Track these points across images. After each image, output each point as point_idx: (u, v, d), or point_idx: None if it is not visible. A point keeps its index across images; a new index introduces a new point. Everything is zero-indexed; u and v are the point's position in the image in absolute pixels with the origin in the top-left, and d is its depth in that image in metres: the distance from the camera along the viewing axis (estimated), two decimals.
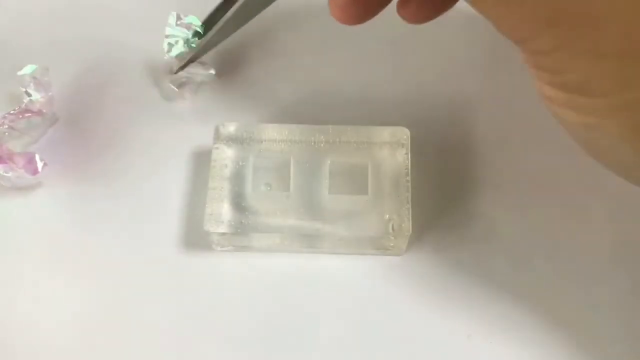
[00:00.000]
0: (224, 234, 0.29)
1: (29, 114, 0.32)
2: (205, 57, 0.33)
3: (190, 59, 0.33)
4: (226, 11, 0.31)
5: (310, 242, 0.29)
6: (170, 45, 0.33)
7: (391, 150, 0.30)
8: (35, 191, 0.31)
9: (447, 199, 0.31)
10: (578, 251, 0.30)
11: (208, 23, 0.32)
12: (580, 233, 0.30)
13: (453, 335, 0.28)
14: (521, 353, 0.28)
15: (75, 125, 0.33)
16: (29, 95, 0.32)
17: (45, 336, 0.28)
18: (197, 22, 0.33)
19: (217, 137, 0.30)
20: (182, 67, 0.33)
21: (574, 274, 0.29)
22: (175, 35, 0.33)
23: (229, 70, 0.34)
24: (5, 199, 0.31)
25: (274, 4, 0.30)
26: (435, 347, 0.28)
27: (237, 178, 0.30)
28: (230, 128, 0.30)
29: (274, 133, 0.30)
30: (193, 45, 0.32)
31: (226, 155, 0.30)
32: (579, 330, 0.28)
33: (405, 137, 0.30)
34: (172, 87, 0.33)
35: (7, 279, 0.30)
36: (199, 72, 0.33)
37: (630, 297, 0.29)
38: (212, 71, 0.33)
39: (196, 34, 0.33)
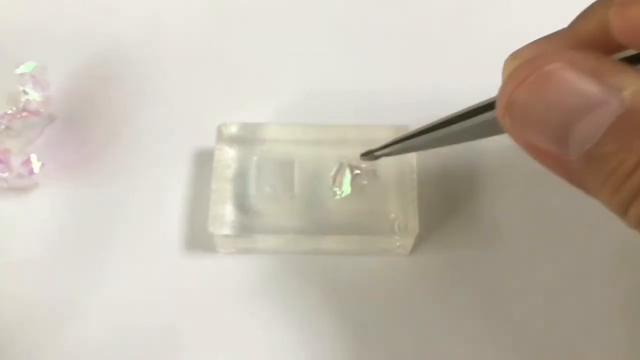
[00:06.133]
0: (227, 235, 0.28)
1: (26, 114, 0.31)
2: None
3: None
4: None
5: (315, 243, 0.29)
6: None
7: None
8: (33, 192, 0.31)
9: (453, 198, 0.31)
10: (583, 251, 0.30)
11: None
12: (585, 233, 0.30)
13: (458, 334, 0.28)
14: (525, 353, 0.28)
15: (73, 125, 0.32)
16: (27, 94, 0.31)
17: (45, 336, 0.28)
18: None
19: (220, 137, 0.30)
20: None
21: (579, 274, 0.29)
22: None
23: (230, 70, 0.34)
24: (2, 200, 0.31)
25: None
26: (440, 347, 0.28)
27: (240, 179, 0.29)
28: (233, 128, 0.30)
29: (276, 133, 0.30)
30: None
31: (229, 156, 0.30)
32: (582, 331, 0.28)
33: None
34: None
35: (4, 281, 0.29)
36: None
37: (634, 298, 0.29)
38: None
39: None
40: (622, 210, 0.17)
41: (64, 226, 0.30)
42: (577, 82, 0.16)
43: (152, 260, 0.29)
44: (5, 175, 0.30)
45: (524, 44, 0.21)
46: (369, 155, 0.28)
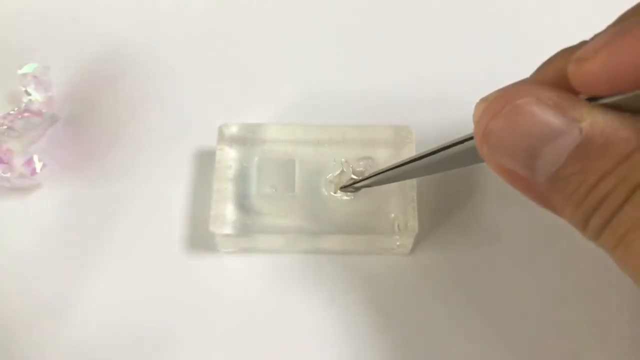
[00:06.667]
0: (228, 235, 0.28)
1: (28, 114, 0.31)
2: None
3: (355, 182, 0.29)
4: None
5: (315, 242, 0.29)
6: None
7: (396, 149, 0.30)
8: (35, 192, 0.31)
9: (452, 198, 0.31)
10: (583, 251, 0.30)
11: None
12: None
13: (458, 334, 0.28)
14: (525, 353, 0.28)
15: (75, 126, 0.33)
16: (29, 94, 0.31)
17: (47, 336, 0.28)
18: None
19: (221, 138, 0.30)
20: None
21: (579, 274, 0.29)
22: None
23: (231, 70, 0.34)
24: (4, 200, 0.31)
25: None
26: (440, 347, 0.28)
27: (242, 179, 0.29)
28: (234, 129, 0.30)
29: (277, 133, 0.30)
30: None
31: (230, 156, 0.30)
32: (582, 331, 0.28)
33: (410, 135, 0.30)
34: None
35: (5, 281, 0.29)
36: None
37: (635, 298, 0.29)
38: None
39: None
40: (583, 224, 0.20)
41: (65, 226, 0.30)
42: (542, 114, 0.19)
43: (153, 260, 0.29)
44: (8, 175, 0.30)
45: (494, 90, 0.23)
46: (350, 187, 0.29)
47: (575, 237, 0.30)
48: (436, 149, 0.24)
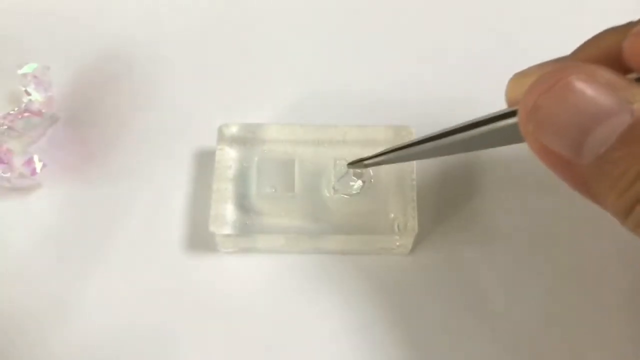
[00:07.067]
0: (228, 235, 0.28)
1: (28, 114, 0.31)
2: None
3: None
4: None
5: (315, 242, 0.29)
6: None
7: None
8: (35, 192, 0.31)
9: (452, 198, 0.31)
10: (582, 251, 0.30)
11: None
12: (584, 233, 0.30)
13: (457, 334, 0.28)
14: (525, 353, 0.28)
15: (75, 126, 0.33)
16: (29, 94, 0.31)
17: (46, 336, 0.28)
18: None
19: (221, 138, 0.30)
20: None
21: (579, 274, 0.29)
22: None
23: (231, 70, 0.34)
24: (4, 200, 0.31)
25: None
26: (440, 346, 0.28)
27: (241, 179, 0.29)
28: (233, 129, 0.30)
29: (277, 133, 0.30)
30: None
31: (230, 156, 0.30)
32: (581, 331, 0.28)
33: (410, 135, 0.30)
34: None
35: (5, 281, 0.29)
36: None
37: (634, 298, 0.29)
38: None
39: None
40: (625, 213, 0.18)
41: (65, 226, 0.30)
42: (595, 93, 0.18)
43: (153, 260, 0.29)
44: (8, 175, 0.30)
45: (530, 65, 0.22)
46: (358, 163, 0.28)
47: (575, 237, 0.30)
48: (463, 125, 0.22)
